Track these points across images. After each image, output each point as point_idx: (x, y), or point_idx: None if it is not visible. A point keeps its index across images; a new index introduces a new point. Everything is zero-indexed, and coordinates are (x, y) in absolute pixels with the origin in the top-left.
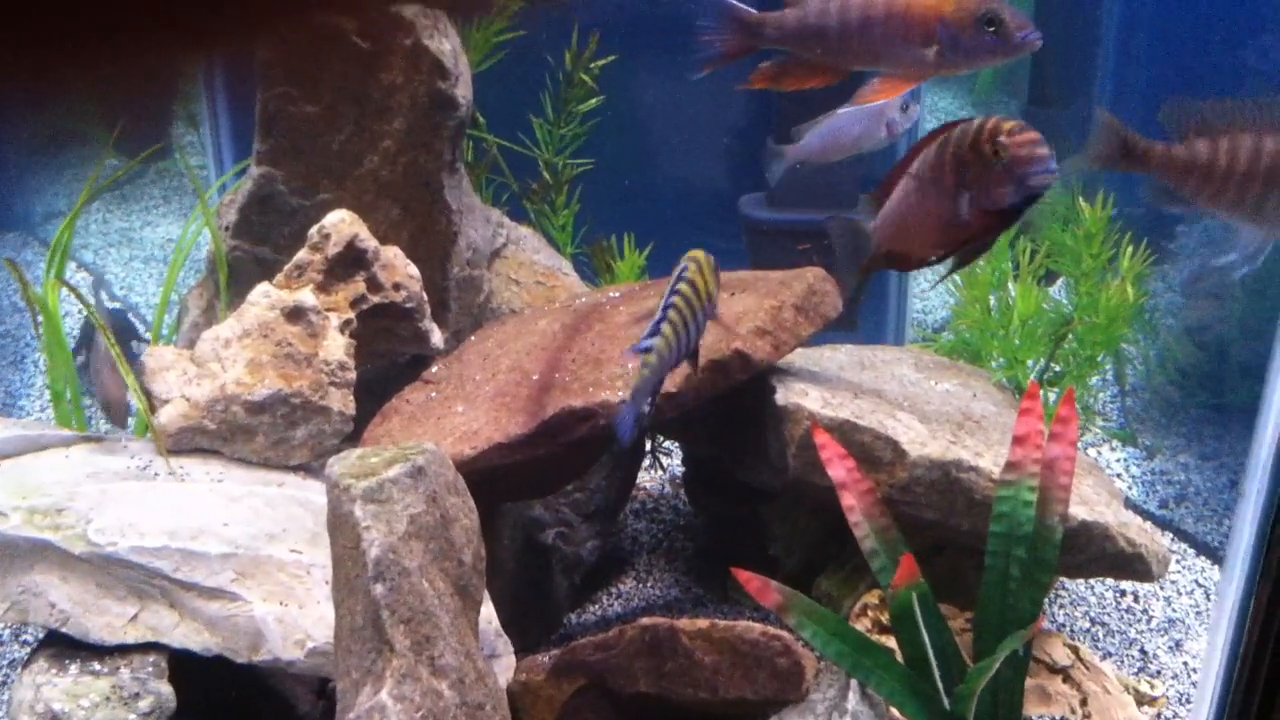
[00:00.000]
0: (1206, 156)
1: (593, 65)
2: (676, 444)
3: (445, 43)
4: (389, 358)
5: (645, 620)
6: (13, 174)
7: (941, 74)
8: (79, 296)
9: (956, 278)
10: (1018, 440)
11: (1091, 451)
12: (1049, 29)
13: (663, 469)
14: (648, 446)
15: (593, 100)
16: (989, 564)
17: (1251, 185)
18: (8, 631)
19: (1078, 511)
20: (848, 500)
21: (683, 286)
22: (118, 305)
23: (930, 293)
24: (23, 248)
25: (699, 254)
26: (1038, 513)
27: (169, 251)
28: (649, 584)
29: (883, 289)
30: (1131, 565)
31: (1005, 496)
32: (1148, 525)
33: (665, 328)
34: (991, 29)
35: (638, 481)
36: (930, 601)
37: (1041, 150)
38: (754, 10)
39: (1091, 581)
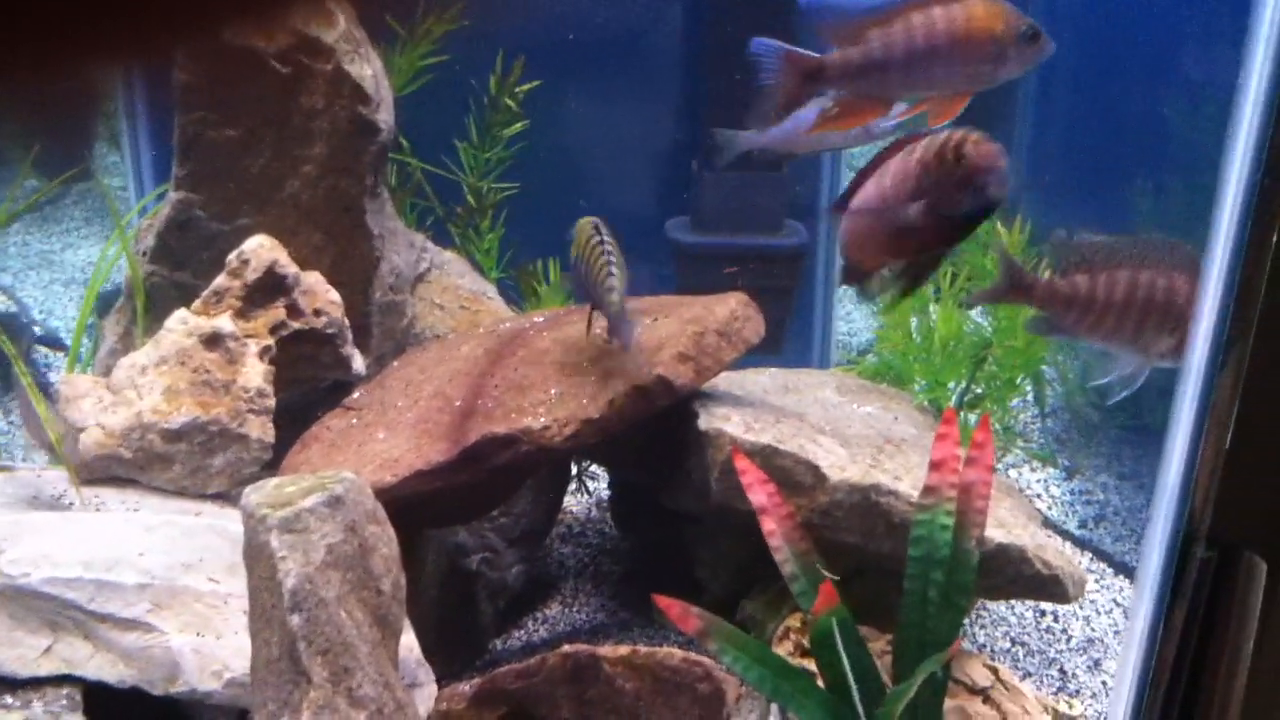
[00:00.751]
0: (1085, 290)
1: (518, 90)
2: (602, 468)
3: (367, 68)
4: (310, 384)
5: (567, 647)
6: None
7: (981, 88)
8: None
9: (878, 301)
10: (934, 465)
11: (1012, 472)
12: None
13: (588, 493)
14: (573, 470)
15: (518, 124)
16: (907, 587)
17: (1127, 316)
18: None
19: (995, 534)
20: (768, 525)
21: (610, 243)
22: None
23: (855, 315)
24: None
25: (591, 219)
26: (955, 537)
27: (90, 274)
28: (575, 609)
29: (808, 311)
30: (1048, 587)
31: (923, 520)
32: (1065, 547)
33: (616, 270)
34: (1031, 40)
35: (564, 505)
36: (850, 626)
37: (1001, 163)
38: (814, 54)
39: (1012, 602)
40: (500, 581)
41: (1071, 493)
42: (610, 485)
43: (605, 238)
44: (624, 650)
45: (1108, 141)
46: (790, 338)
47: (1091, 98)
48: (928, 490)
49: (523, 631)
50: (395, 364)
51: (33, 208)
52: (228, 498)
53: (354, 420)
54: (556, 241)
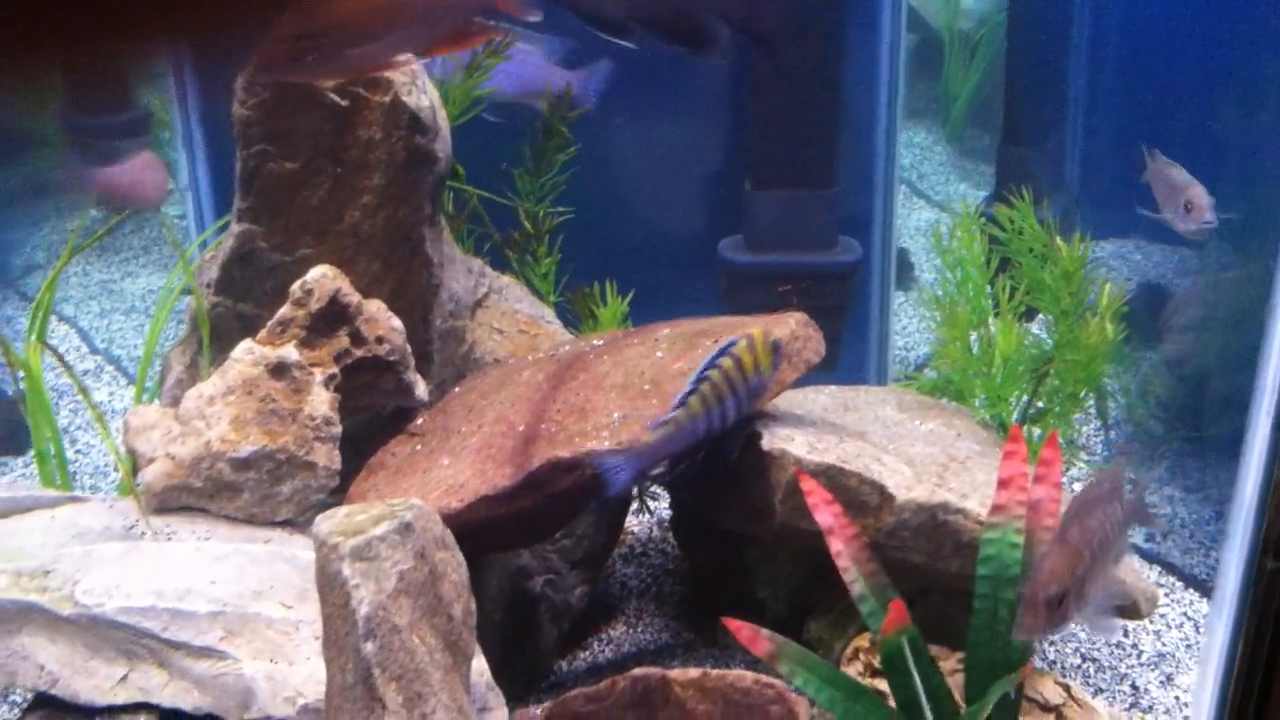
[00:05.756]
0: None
1: (569, 114)
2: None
3: (424, 98)
4: (372, 411)
5: (637, 670)
6: None
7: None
8: (60, 359)
9: (937, 315)
10: (1002, 483)
11: (1076, 486)
12: (1020, 67)
13: (650, 513)
14: (634, 491)
15: (571, 149)
16: (977, 606)
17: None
18: None
19: None
20: (835, 546)
21: (725, 361)
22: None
23: (910, 329)
24: (2, 303)
25: (756, 332)
26: (1025, 555)
27: (150, 303)
28: (639, 629)
29: (863, 327)
30: (1121, 605)
31: (991, 539)
32: (1136, 563)
33: (693, 400)
34: None
35: (625, 526)
36: (920, 645)
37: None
38: None
39: None
40: (564, 603)
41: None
42: (671, 505)
43: (723, 361)
44: (695, 673)
45: (1161, 147)
46: (845, 355)
47: (1143, 103)
48: (996, 508)
49: (587, 653)
50: (456, 390)
51: (99, 238)
52: (295, 525)
53: (418, 446)
54: (611, 264)
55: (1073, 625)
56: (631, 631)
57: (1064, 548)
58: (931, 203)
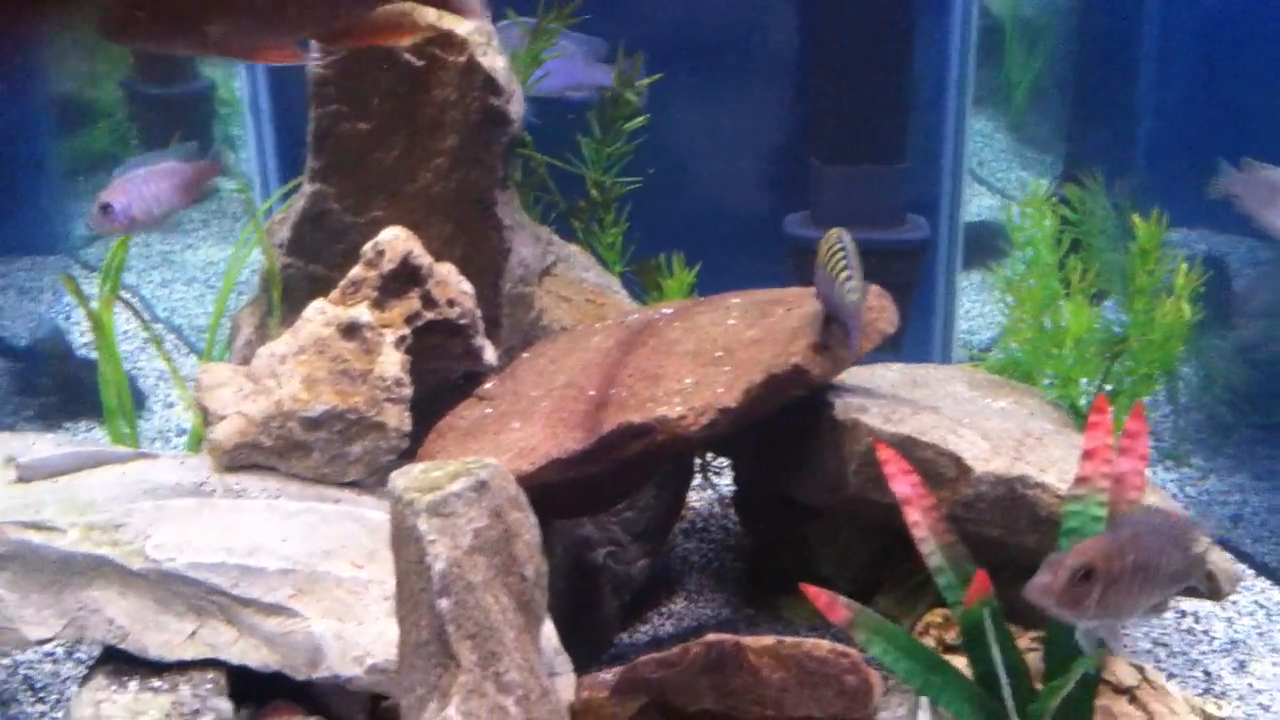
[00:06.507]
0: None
1: (638, 84)
2: (726, 464)
3: (499, 59)
4: (440, 375)
5: (710, 636)
6: (53, 199)
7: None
8: (136, 313)
9: (1008, 296)
10: (1087, 454)
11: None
12: (1094, 46)
13: (713, 488)
14: (697, 464)
15: (639, 119)
16: None
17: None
18: (61, 649)
19: None
20: (913, 516)
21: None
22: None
23: (974, 312)
24: (64, 270)
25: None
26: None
27: (209, 274)
28: (700, 604)
29: (929, 307)
30: (1203, 583)
31: (1074, 511)
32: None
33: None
34: None
35: (686, 501)
36: (1000, 618)
37: None
38: None
39: None
40: (625, 575)
41: (1207, 493)
42: (735, 480)
43: (846, 244)
44: (769, 640)
45: (1231, 129)
46: (910, 335)
47: (1212, 83)
48: (1080, 480)
49: (648, 626)
50: (525, 355)
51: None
52: (364, 486)
53: (487, 410)
54: (677, 236)
55: (1082, 623)
56: (692, 606)
57: (1114, 536)
58: (992, 189)
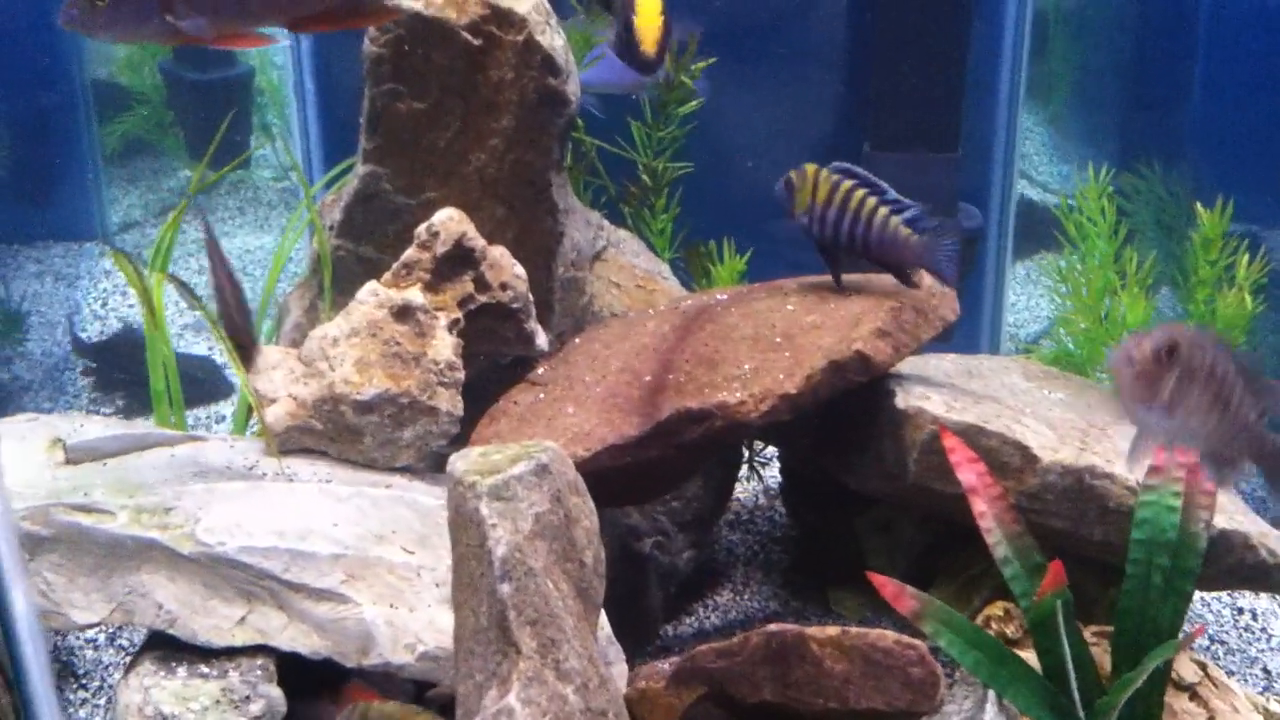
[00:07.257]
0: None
1: (693, 67)
2: (773, 456)
3: (557, 38)
4: (492, 359)
5: (771, 626)
6: (89, 185)
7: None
8: (189, 291)
9: (1062, 286)
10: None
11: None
12: (1150, 34)
13: (760, 479)
14: (744, 455)
15: (692, 103)
16: (1130, 572)
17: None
18: (102, 635)
19: (1218, 520)
20: (979, 506)
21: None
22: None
23: (1020, 305)
24: (101, 257)
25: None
26: (1181, 519)
27: (246, 261)
28: (746, 596)
29: (977, 298)
30: (1270, 576)
31: (1148, 502)
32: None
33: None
34: None
35: (733, 492)
36: (1072, 610)
37: None
38: None
39: (1208, 599)
40: (671, 566)
41: (1261, 488)
42: (782, 471)
43: (859, 172)
44: (833, 630)
45: None
46: (960, 326)
47: (1266, 76)
48: (1154, 470)
49: (693, 618)
50: (577, 340)
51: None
52: (415, 471)
53: (540, 395)
54: (727, 222)
55: (1150, 420)
56: (738, 598)
57: (1200, 336)
58: (1034, 183)
